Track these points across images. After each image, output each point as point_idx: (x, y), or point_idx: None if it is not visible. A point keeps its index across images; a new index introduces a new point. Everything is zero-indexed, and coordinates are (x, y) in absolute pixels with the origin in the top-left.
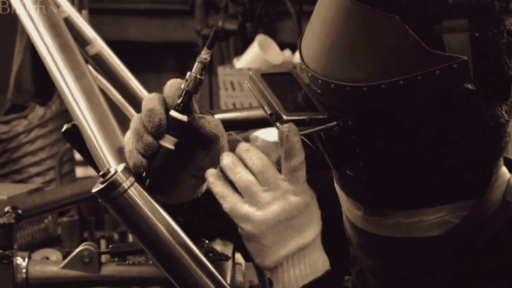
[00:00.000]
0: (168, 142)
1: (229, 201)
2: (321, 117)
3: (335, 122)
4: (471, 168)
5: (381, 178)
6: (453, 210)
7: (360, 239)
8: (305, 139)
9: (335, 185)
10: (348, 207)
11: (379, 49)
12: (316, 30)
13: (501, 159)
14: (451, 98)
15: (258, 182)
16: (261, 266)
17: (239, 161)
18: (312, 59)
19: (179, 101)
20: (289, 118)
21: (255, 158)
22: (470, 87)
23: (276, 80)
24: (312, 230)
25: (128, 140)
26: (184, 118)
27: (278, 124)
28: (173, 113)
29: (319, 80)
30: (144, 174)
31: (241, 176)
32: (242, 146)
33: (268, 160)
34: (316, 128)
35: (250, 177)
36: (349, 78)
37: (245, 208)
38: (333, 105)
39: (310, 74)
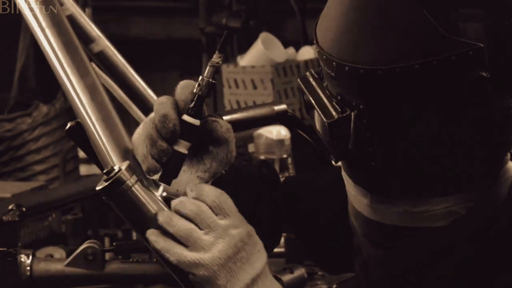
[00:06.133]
0: (182, 147)
1: (175, 252)
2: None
3: (348, 111)
4: (480, 159)
5: (390, 165)
6: (460, 201)
7: (365, 228)
8: (307, 137)
9: (342, 173)
10: (355, 195)
11: (396, 33)
12: (332, 14)
13: (508, 154)
14: (465, 85)
15: (197, 227)
16: None
17: (174, 213)
18: (328, 42)
19: (192, 105)
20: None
21: (189, 204)
22: (484, 75)
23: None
24: (260, 260)
25: (141, 143)
26: (197, 122)
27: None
28: (186, 117)
29: (334, 63)
30: (158, 180)
31: (179, 226)
32: (175, 200)
33: (202, 203)
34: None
35: (188, 225)
36: (364, 61)
37: (192, 255)
38: (346, 88)
39: (324, 57)
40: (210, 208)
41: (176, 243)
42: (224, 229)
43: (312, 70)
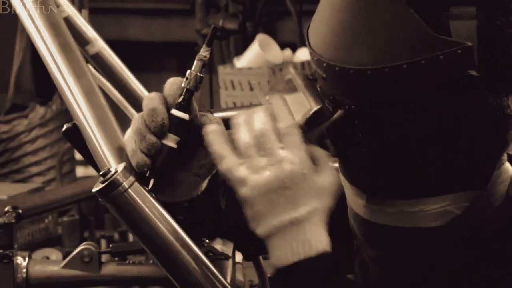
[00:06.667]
0: (171, 141)
1: (227, 162)
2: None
3: (340, 111)
4: (475, 158)
5: (383, 165)
6: (456, 201)
7: (362, 228)
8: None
9: (339, 174)
10: (351, 196)
11: (384, 33)
12: (324, 16)
13: (505, 154)
14: (454, 85)
15: (256, 146)
16: (256, 233)
17: (248, 121)
18: (319, 44)
19: (180, 99)
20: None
21: (258, 122)
22: (473, 73)
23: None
24: (308, 205)
25: (130, 139)
26: (186, 116)
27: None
28: (174, 111)
29: (324, 64)
30: (147, 174)
31: (241, 136)
32: (257, 108)
33: (271, 125)
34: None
35: (249, 140)
36: (354, 61)
37: (241, 171)
38: (337, 89)
39: (316, 58)
40: (277, 134)
41: (231, 151)
42: (279, 160)
43: (307, 73)
